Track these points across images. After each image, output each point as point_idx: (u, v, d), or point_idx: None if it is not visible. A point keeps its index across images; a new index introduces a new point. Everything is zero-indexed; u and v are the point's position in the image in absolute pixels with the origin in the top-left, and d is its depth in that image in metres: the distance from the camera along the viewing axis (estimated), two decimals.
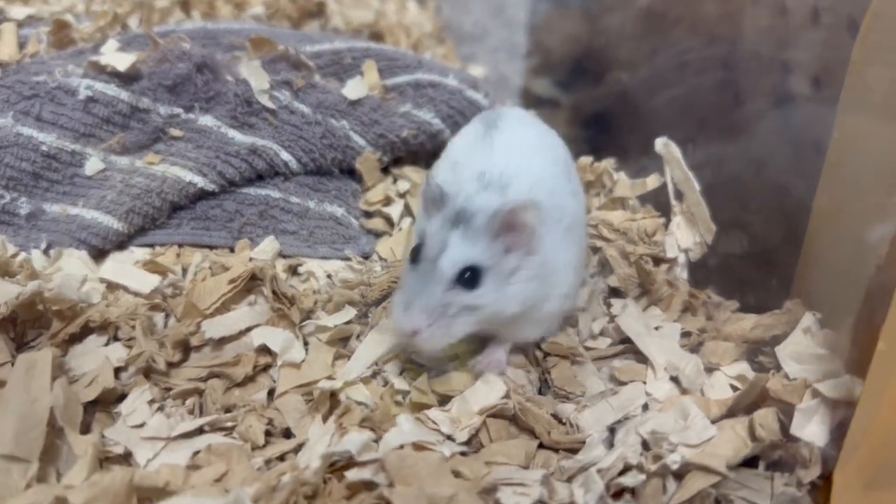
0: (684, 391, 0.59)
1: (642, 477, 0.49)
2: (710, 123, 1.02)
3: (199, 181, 0.72)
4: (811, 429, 0.52)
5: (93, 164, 0.72)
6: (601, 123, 1.21)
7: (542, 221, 0.55)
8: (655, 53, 1.19)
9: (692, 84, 1.08)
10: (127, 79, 0.73)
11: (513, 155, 0.61)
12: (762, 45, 0.94)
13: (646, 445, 0.53)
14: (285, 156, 0.76)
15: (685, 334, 0.65)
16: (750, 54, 0.96)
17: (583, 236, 0.65)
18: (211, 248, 0.72)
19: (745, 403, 0.55)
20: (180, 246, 0.72)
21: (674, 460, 0.49)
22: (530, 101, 1.25)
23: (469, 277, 0.53)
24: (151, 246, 0.72)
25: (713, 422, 0.54)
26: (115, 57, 0.73)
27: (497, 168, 0.59)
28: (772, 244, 0.76)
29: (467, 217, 0.54)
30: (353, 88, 0.81)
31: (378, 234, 0.79)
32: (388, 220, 0.80)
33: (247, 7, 1.03)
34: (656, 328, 0.66)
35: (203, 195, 0.73)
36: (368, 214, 0.80)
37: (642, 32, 1.24)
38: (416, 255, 0.55)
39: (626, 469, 0.50)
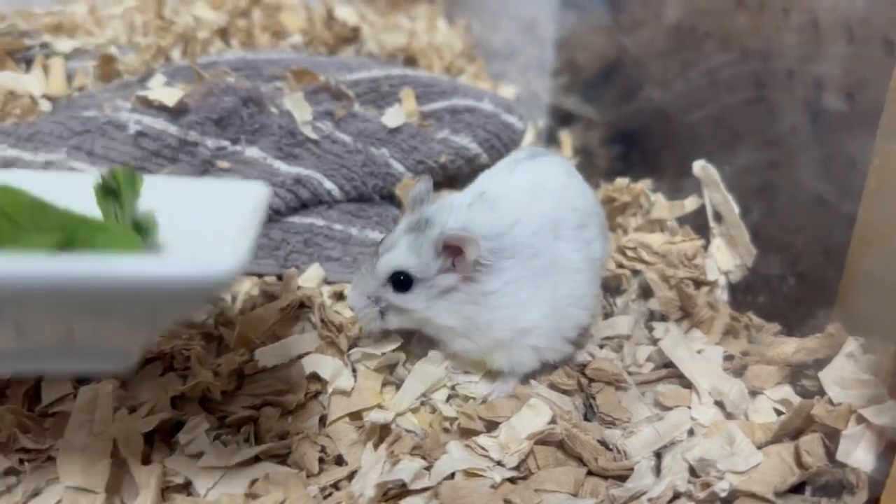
0: (729, 416, 0.60)
1: None
2: (744, 141, 1.02)
3: None
4: (857, 454, 0.52)
5: None
6: (634, 140, 1.21)
7: (500, 254, 0.57)
8: (687, 69, 1.19)
9: (724, 101, 1.08)
10: (175, 113, 0.76)
11: (520, 187, 0.63)
12: (794, 61, 0.94)
13: (693, 472, 0.54)
14: (328, 184, 0.78)
15: (728, 357, 0.66)
16: (782, 70, 0.96)
17: (583, 283, 0.63)
18: (259, 275, 0.74)
19: (791, 429, 0.55)
20: None
21: (722, 488, 0.50)
22: (562, 118, 1.26)
23: (402, 281, 0.58)
24: None
25: (759, 447, 0.54)
26: (163, 92, 0.75)
27: (496, 192, 0.62)
28: (813, 265, 0.76)
29: (422, 225, 0.58)
30: (392, 116, 0.83)
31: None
32: None
33: (284, 34, 1.06)
34: (699, 351, 0.66)
35: None
36: None
37: (673, 48, 1.25)
38: (378, 245, 0.61)
39: (676, 497, 0.51)
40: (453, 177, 0.88)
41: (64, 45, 0.97)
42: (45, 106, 0.83)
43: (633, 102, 1.27)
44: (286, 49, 0.98)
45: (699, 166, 0.75)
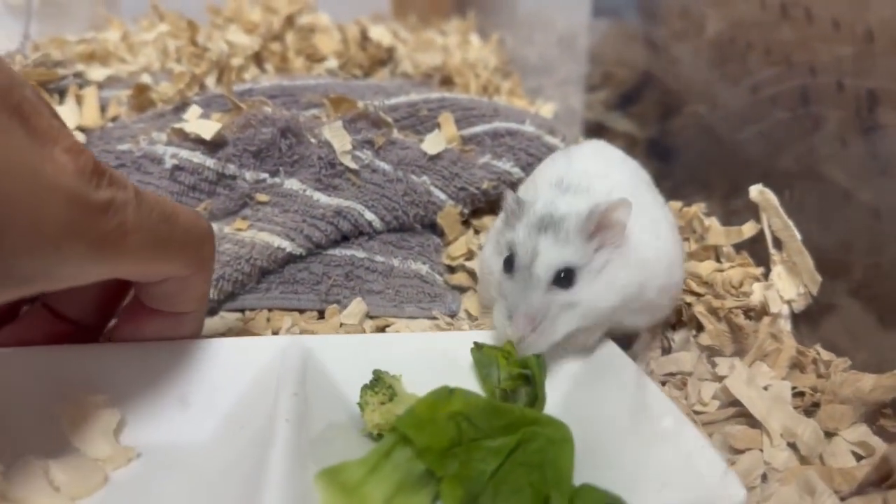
0: (803, 459, 0.56)
1: None
2: (797, 159, 0.98)
3: (288, 246, 0.71)
4: None
5: None
6: (677, 157, 1.18)
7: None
8: (732, 84, 1.16)
9: (772, 117, 1.05)
10: (212, 146, 0.74)
11: (589, 163, 0.65)
12: (845, 74, 0.90)
13: None
14: (369, 215, 0.75)
15: (797, 394, 0.62)
16: (832, 84, 0.93)
17: (680, 242, 0.65)
18: (300, 311, 0.72)
19: (876, 478, 0.52)
20: (270, 310, 0.72)
21: None
22: (601, 134, 1.23)
23: (564, 277, 0.56)
24: (241, 311, 0.72)
25: (842, 499, 0.51)
26: (200, 125, 0.73)
27: (575, 174, 0.62)
28: (882, 292, 0.72)
29: (554, 221, 0.57)
30: (432, 143, 0.81)
31: (462, 290, 0.78)
32: (472, 275, 0.78)
33: (317, 57, 1.04)
34: (765, 387, 0.63)
35: (291, 259, 0.73)
36: (452, 269, 0.79)
37: (715, 61, 1.21)
38: (509, 265, 0.58)
39: None
40: (495, 202, 0.85)
41: (97, 73, 0.96)
42: (80, 138, 0.82)
43: (675, 118, 1.24)
44: (322, 74, 0.96)
45: (756, 191, 0.71)
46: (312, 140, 0.76)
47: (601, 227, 0.57)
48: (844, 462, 0.56)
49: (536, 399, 0.55)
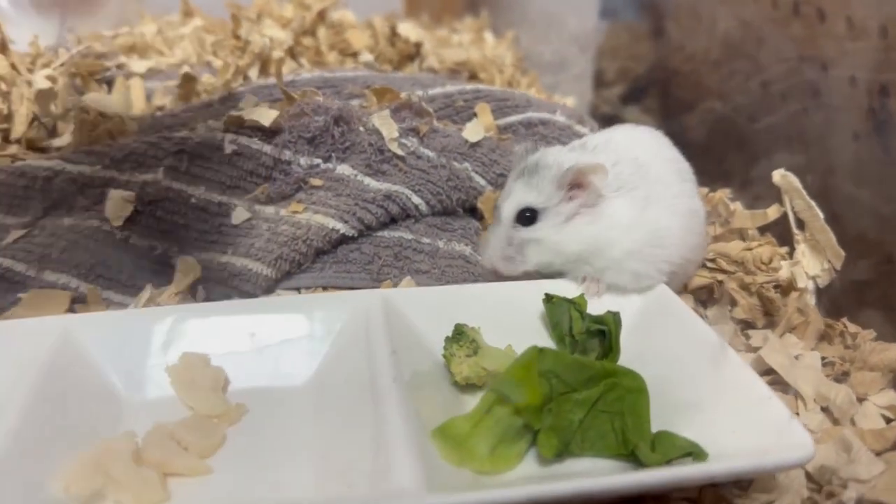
0: (836, 422, 0.61)
1: None
2: (807, 148, 1.03)
3: (342, 227, 0.75)
4: None
5: (239, 214, 0.76)
6: (694, 149, 1.23)
7: (608, 187, 0.65)
8: (744, 78, 1.20)
9: (785, 110, 1.09)
10: (269, 133, 0.77)
11: (616, 138, 0.72)
12: (857, 69, 0.95)
13: (810, 478, 0.55)
14: (416, 199, 0.79)
15: (827, 364, 0.67)
16: (844, 78, 0.97)
17: (678, 225, 0.68)
18: (352, 289, 0.76)
19: None
20: (324, 288, 0.75)
21: (850, 497, 0.51)
22: None
23: (527, 216, 0.65)
24: (297, 289, 0.75)
25: (877, 455, 0.55)
26: (259, 112, 0.77)
27: (594, 140, 0.71)
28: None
29: (536, 169, 0.66)
30: (472, 131, 0.85)
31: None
32: None
33: (349, 51, 1.07)
34: (796, 357, 0.67)
35: (344, 240, 0.76)
36: None
37: (727, 56, 1.26)
38: (496, 208, 0.69)
39: None
40: None
41: (138, 65, 0.99)
42: (131, 126, 0.85)
43: (689, 112, 1.28)
44: (359, 67, 1.00)
45: (779, 175, 0.76)
46: (362, 128, 0.80)
47: (575, 183, 0.65)
48: (875, 424, 0.60)
49: (611, 351, 0.59)
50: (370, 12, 1.40)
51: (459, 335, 0.60)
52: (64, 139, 0.86)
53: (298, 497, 0.50)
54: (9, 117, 0.85)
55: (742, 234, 0.82)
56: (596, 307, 0.65)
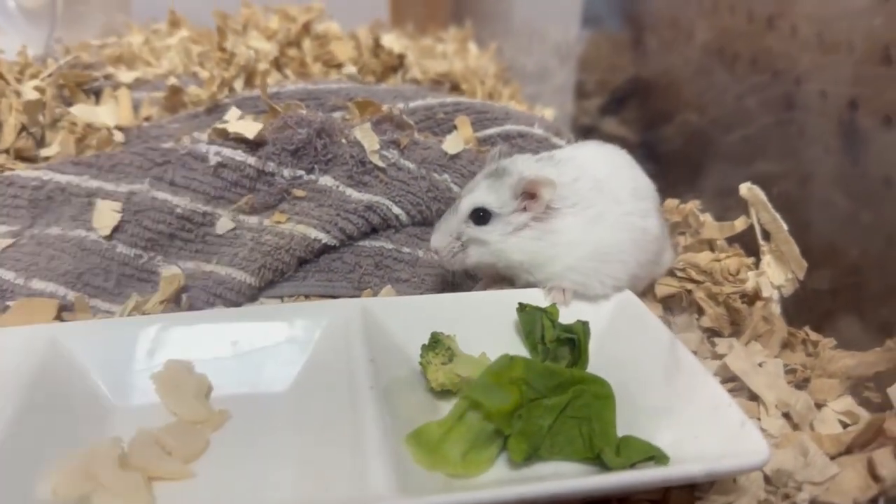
0: (795, 427, 0.64)
1: None
2: (780, 159, 1.06)
3: (324, 237, 0.78)
4: None
5: (223, 224, 0.79)
6: (667, 160, 1.26)
7: (564, 201, 0.68)
8: (720, 91, 1.23)
9: (759, 122, 1.13)
10: (253, 145, 0.79)
11: (582, 155, 0.74)
12: (828, 83, 0.98)
13: (768, 481, 0.57)
14: (396, 210, 0.82)
15: (788, 371, 0.69)
16: (815, 91, 1.00)
17: (626, 241, 0.70)
18: (333, 297, 0.78)
19: (862, 441, 0.59)
20: (307, 297, 0.77)
21: (803, 498, 0.54)
22: (599, 139, 1.30)
23: (481, 216, 0.68)
24: (280, 298, 0.77)
25: (831, 458, 0.58)
26: (243, 125, 0.79)
27: (562, 156, 0.73)
28: (861, 281, 0.80)
29: (499, 173, 0.69)
30: (452, 143, 0.87)
31: (472, 277, 0.84)
32: None
33: (334, 62, 1.10)
34: (760, 364, 0.70)
35: (325, 249, 0.79)
36: None
37: (703, 69, 1.29)
38: (458, 198, 0.71)
39: None
40: None
41: (125, 76, 1.01)
42: (118, 137, 0.87)
43: (666, 123, 1.31)
44: (342, 79, 1.02)
45: (746, 188, 0.79)
46: (343, 140, 0.82)
47: (526, 192, 0.67)
48: (832, 429, 0.63)
49: (580, 359, 0.62)
50: (356, 22, 1.43)
51: (435, 343, 0.63)
52: (52, 149, 0.87)
53: (277, 499, 0.52)
54: None
55: (711, 245, 0.85)
56: (567, 315, 0.68)
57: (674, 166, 1.26)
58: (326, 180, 0.81)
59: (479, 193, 0.69)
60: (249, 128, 0.78)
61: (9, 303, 0.73)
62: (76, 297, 0.73)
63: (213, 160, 0.78)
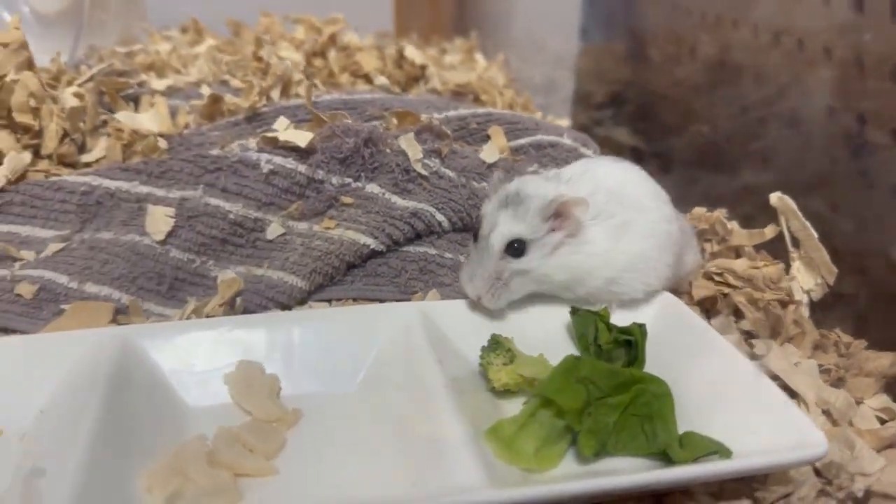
0: (835, 423, 0.67)
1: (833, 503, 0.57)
2: (790, 170, 1.10)
3: (372, 243, 0.80)
4: None
5: (273, 230, 0.80)
6: (681, 169, 1.30)
7: (590, 216, 0.70)
8: (726, 103, 1.28)
9: (768, 134, 1.17)
10: (303, 153, 0.81)
11: (594, 168, 0.76)
12: (836, 98, 1.03)
13: (818, 474, 0.61)
14: (439, 217, 0.84)
15: (823, 371, 0.73)
16: (823, 106, 1.05)
17: (654, 247, 0.73)
18: (380, 301, 0.80)
19: None
20: (355, 300, 0.80)
21: (858, 488, 0.57)
22: (612, 150, 1.33)
23: (516, 248, 0.68)
24: (329, 301, 0.79)
25: (876, 452, 0.62)
26: (295, 134, 0.81)
27: (569, 171, 0.76)
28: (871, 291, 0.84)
29: (517, 200, 0.69)
30: (489, 152, 0.90)
31: None
32: None
33: (360, 73, 1.12)
34: (795, 364, 0.74)
35: (373, 254, 0.81)
36: None
37: (706, 82, 1.33)
38: (475, 235, 0.72)
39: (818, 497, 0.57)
40: None
41: (157, 83, 1.02)
42: (161, 144, 0.89)
43: (683, 135, 1.35)
44: (375, 89, 1.05)
45: (776, 197, 0.82)
46: (388, 150, 0.84)
47: (558, 214, 0.68)
48: (871, 425, 0.66)
49: (636, 360, 0.65)
50: (360, 32, 1.45)
51: (496, 345, 0.65)
52: (93, 155, 0.89)
53: (367, 496, 0.54)
54: (39, 133, 0.88)
55: (737, 251, 0.88)
56: (613, 317, 0.71)
57: (689, 176, 1.30)
58: (373, 188, 0.83)
59: (507, 225, 0.69)
60: (301, 137, 0.80)
61: (63, 306, 0.74)
62: (130, 300, 0.75)
63: (266, 168, 0.80)
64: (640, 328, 0.66)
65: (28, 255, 0.79)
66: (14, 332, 0.73)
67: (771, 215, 0.84)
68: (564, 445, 0.58)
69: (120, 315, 0.75)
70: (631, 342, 0.66)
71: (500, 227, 0.69)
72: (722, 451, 0.56)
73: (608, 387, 0.59)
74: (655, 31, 1.58)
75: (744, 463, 0.54)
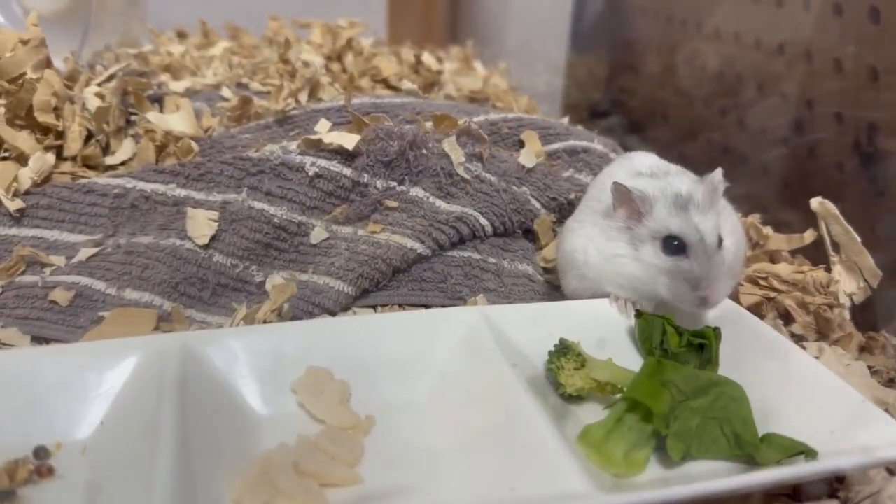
0: None
1: None
2: (795, 179, 1.12)
3: (419, 247, 0.78)
4: None
5: (317, 234, 0.78)
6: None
7: None
8: (721, 113, 1.30)
9: (777, 145, 1.19)
10: (347, 156, 0.80)
11: (648, 160, 0.77)
12: (845, 107, 1.05)
13: (891, 472, 0.61)
14: (483, 221, 0.83)
15: (874, 372, 0.74)
16: (831, 115, 1.07)
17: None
18: (426, 306, 0.78)
19: None
20: (401, 306, 0.78)
21: None
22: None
23: (720, 241, 0.67)
24: (374, 307, 0.78)
25: None
26: (341, 136, 0.79)
27: (645, 166, 0.74)
28: None
29: (688, 199, 0.67)
30: (526, 157, 0.89)
31: (556, 288, 0.87)
32: None
33: (378, 77, 1.10)
34: (847, 366, 0.74)
35: (418, 259, 0.79)
36: (546, 271, 0.88)
37: (715, 94, 1.35)
38: (671, 247, 0.67)
39: None
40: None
41: (176, 85, 0.99)
42: (193, 146, 0.86)
43: (674, 146, 1.37)
44: (402, 94, 1.03)
45: (817, 202, 0.83)
46: (432, 153, 0.83)
47: (714, 193, 0.68)
48: None
49: (709, 364, 0.64)
50: None
51: (565, 349, 0.64)
52: (118, 157, 0.86)
53: (457, 501, 0.52)
54: (61, 134, 0.84)
55: (772, 256, 0.89)
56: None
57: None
58: (417, 191, 0.82)
59: (711, 220, 0.67)
60: (348, 139, 0.78)
61: (101, 313, 0.71)
62: (173, 307, 0.72)
63: (311, 171, 0.78)
64: (715, 331, 0.66)
65: (58, 260, 0.76)
66: (49, 341, 0.70)
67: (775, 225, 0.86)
68: (650, 449, 0.57)
69: (162, 322, 0.72)
70: (703, 346, 0.66)
71: (703, 225, 0.66)
72: (808, 452, 0.56)
73: (689, 390, 0.59)
74: (647, 42, 1.60)
75: (837, 461, 0.54)
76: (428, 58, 1.18)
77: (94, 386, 0.59)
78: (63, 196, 0.79)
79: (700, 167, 0.76)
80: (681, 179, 0.70)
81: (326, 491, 0.53)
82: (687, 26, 1.42)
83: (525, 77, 1.71)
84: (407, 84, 1.06)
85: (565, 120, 1.30)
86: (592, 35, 1.82)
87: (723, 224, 0.70)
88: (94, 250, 0.76)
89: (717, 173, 0.69)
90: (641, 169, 0.74)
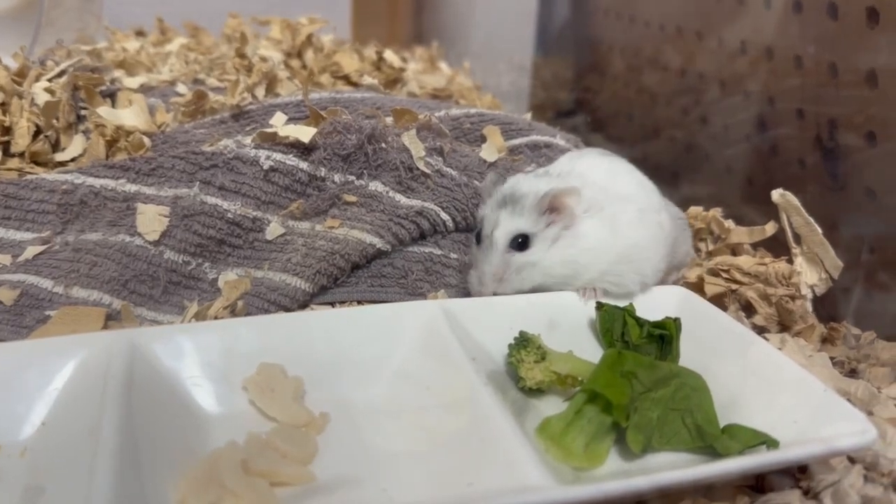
0: None
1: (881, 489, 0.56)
2: (756, 173, 1.13)
3: (378, 242, 0.77)
4: None
5: (273, 230, 0.76)
6: (664, 174, 1.31)
7: (582, 209, 0.70)
8: (683, 112, 1.30)
9: (739, 139, 1.19)
10: (304, 150, 0.78)
11: (575, 161, 0.78)
12: (808, 104, 1.05)
13: (852, 461, 0.61)
14: (444, 216, 0.82)
15: (836, 363, 0.74)
16: (792, 111, 1.07)
17: (644, 238, 0.73)
18: (385, 303, 0.77)
19: None
20: (359, 302, 0.76)
21: None
22: None
23: (520, 243, 0.69)
24: (332, 303, 0.76)
25: None
26: (296, 129, 0.77)
27: (557, 167, 0.77)
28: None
29: (514, 198, 0.70)
30: (488, 151, 0.88)
31: None
32: None
33: (339, 74, 1.09)
34: (809, 357, 0.74)
35: (378, 255, 0.78)
36: None
37: (680, 89, 1.36)
38: (478, 236, 0.72)
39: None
40: None
41: (130, 81, 0.97)
42: (145, 142, 0.83)
43: (658, 140, 1.37)
44: (362, 89, 1.02)
45: (778, 194, 0.83)
46: (392, 147, 0.81)
47: (552, 207, 0.69)
48: (892, 413, 0.67)
49: (669, 355, 0.63)
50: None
51: (525, 342, 0.63)
52: (68, 153, 0.83)
53: (418, 500, 0.50)
54: (9, 130, 0.81)
55: (734, 249, 0.89)
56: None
57: (664, 179, 1.32)
58: (376, 186, 0.80)
59: (510, 222, 0.70)
60: (304, 132, 0.77)
61: (48, 312, 0.69)
62: (122, 305, 0.70)
63: (266, 164, 0.76)
64: (675, 322, 0.65)
65: (3, 259, 0.73)
66: None
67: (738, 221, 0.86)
68: (610, 442, 0.56)
69: (111, 321, 0.70)
70: (663, 337, 0.65)
71: (503, 224, 0.70)
72: (770, 442, 0.55)
73: (650, 381, 0.58)
74: (611, 42, 1.60)
75: (800, 451, 0.53)
76: (390, 55, 1.17)
77: (35, 386, 0.56)
78: (9, 193, 0.76)
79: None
80: (539, 181, 0.72)
81: (278, 490, 0.51)
82: (650, 27, 1.43)
83: (490, 77, 1.71)
84: (367, 79, 1.04)
85: (528, 116, 1.29)
86: (558, 36, 1.82)
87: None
88: (41, 248, 0.73)
89: (566, 191, 0.69)
90: (551, 169, 0.78)
